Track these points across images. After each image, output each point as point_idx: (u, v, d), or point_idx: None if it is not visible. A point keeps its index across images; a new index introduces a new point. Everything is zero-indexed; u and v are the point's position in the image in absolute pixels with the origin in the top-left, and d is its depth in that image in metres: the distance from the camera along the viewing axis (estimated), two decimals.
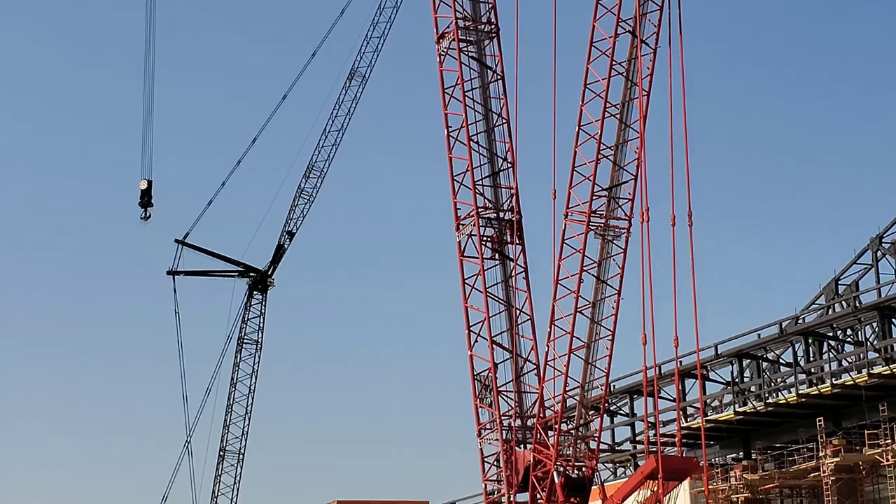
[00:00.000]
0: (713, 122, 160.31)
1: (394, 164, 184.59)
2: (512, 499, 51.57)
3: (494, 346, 52.51)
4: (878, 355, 62.52)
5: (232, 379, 70.72)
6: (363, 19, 68.97)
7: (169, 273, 71.38)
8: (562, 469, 51.22)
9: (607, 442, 73.85)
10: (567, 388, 50.83)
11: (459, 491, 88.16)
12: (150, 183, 66.69)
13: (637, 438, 76.81)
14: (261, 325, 70.94)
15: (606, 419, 69.47)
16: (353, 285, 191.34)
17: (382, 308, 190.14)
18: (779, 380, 69.94)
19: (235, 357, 71.32)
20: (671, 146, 49.15)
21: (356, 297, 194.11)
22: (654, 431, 60.26)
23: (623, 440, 79.56)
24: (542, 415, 52.22)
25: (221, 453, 70.27)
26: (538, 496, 50.76)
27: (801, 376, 66.80)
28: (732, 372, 71.39)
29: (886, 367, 58.66)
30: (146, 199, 66.75)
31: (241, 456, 69.93)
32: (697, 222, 49.21)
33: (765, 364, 71.32)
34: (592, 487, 53.70)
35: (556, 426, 51.25)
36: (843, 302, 71.35)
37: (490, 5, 54.74)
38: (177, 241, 70.98)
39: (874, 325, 63.81)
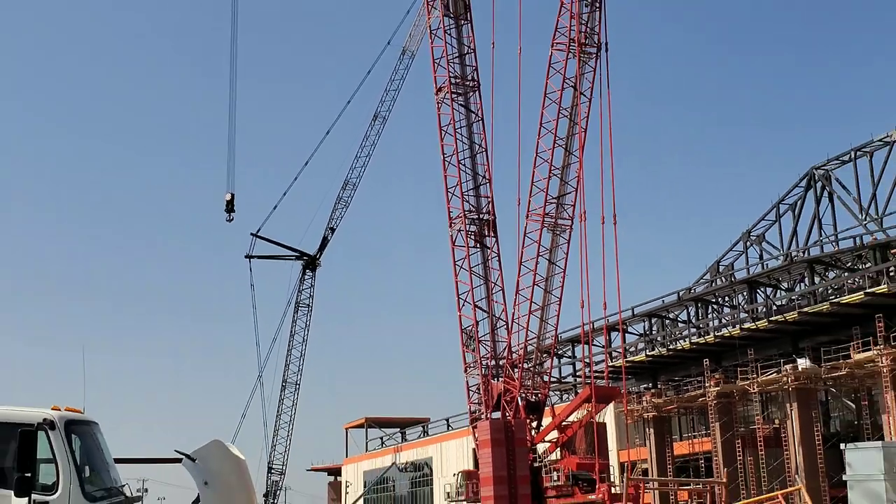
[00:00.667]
0: (637, 140, 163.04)
1: (405, 179, 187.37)
2: (488, 416, 51.83)
3: (476, 308, 53.03)
4: (747, 315, 62.28)
5: (291, 331, 69.71)
6: (384, 76, 68.64)
7: (246, 257, 69.91)
8: (524, 395, 52.14)
9: (556, 376, 71.66)
10: (527, 338, 51.74)
11: (451, 411, 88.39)
12: (232, 195, 66.36)
13: (577, 374, 76.25)
14: (311, 293, 70.02)
15: (555, 360, 67.28)
16: (376, 264, 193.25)
17: (397, 281, 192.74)
18: (677, 333, 68.79)
19: (293, 316, 69.98)
20: (601, 168, 49.37)
21: (379, 272, 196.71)
22: (589, 369, 63.44)
23: (567, 375, 78.05)
24: (510, 357, 52.72)
25: (283, 384, 69.62)
26: (507, 414, 51.14)
27: (693, 330, 66.65)
28: (644, 327, 70.92)
29: (753, 324, 58.48)
30: (230, 206, 66.44)
31: (297, 386, 69.41)
32: (621, 220, 49.97)
33: (667, 321, 70.96)
34: (545, 408, 54.65)
35: (520, 365, 51.94)
36: (723, 277, 71.51)
37: (473, 67, 54.80)
38: (252, 234, 69.60)
39: (744, 293, 63.69)
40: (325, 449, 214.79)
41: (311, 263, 70.13)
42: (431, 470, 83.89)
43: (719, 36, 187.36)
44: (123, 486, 14.04)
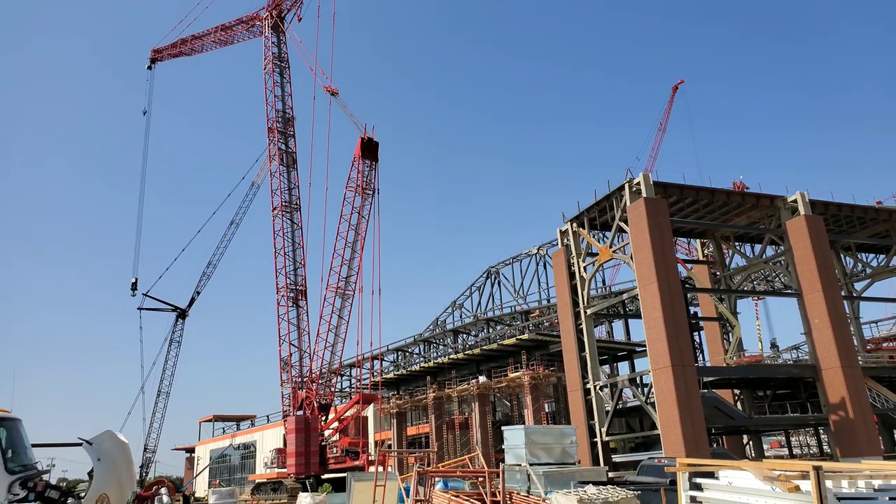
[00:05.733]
0: (396, 244, 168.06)
1: (249, 262, 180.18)
2: (294, 413, 49.13)
3: (291, 345, 50.64)
4: (452, 350, 63.26)
5: (165, 360, 63.52)
6: (241, 192, 66.68)
7: (139, 308, 63.19)
8: (318, 400, 49.65)
9: (339, 388, 71.62)
10: (322, 364, 49.52)
11: (270, 410, 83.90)
12: (136, 279, 60.52)
13: (352, 386, 74.65)
14: (181, 335, 64.27)
15: (339, 378, 65.85)
16: (225, 315, 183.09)
17: (239, 326, 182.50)
18: (412, 360, 69.87)
19: (168, 349, 63.90)
20: (373, 260, 52.22)
21: (226, 321, 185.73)
22: (359, 383, 62.11)
23: (346, 387, 76.65)
24: (310, 376, 50.13)
25: (158, 392, 62.83)
26: (306, 412, 48.66)
27: (421, 359, 67.43)
28: (396, 357, 71.30)
29: (455, 356, 59.18)
30: (134, 286, 60.29)
31: (168, 393, 62.43)
32: (383, 292, 51.45)
33: (407, 353, 71.40)
34: (331, 408, 51.93)
35: (317, 381, 49.62)
36: (440, 328, 71.77)
37: (297, 196, 53.06)
38: (143, 294, 63.05)
39: (451, 337, 65.18)
40: (185, 435, 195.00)
41: (182, 314, 64.23)
42: (256, 448, 77.91)
43: (445, 182, 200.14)
44: (37, 462, 12.56)
